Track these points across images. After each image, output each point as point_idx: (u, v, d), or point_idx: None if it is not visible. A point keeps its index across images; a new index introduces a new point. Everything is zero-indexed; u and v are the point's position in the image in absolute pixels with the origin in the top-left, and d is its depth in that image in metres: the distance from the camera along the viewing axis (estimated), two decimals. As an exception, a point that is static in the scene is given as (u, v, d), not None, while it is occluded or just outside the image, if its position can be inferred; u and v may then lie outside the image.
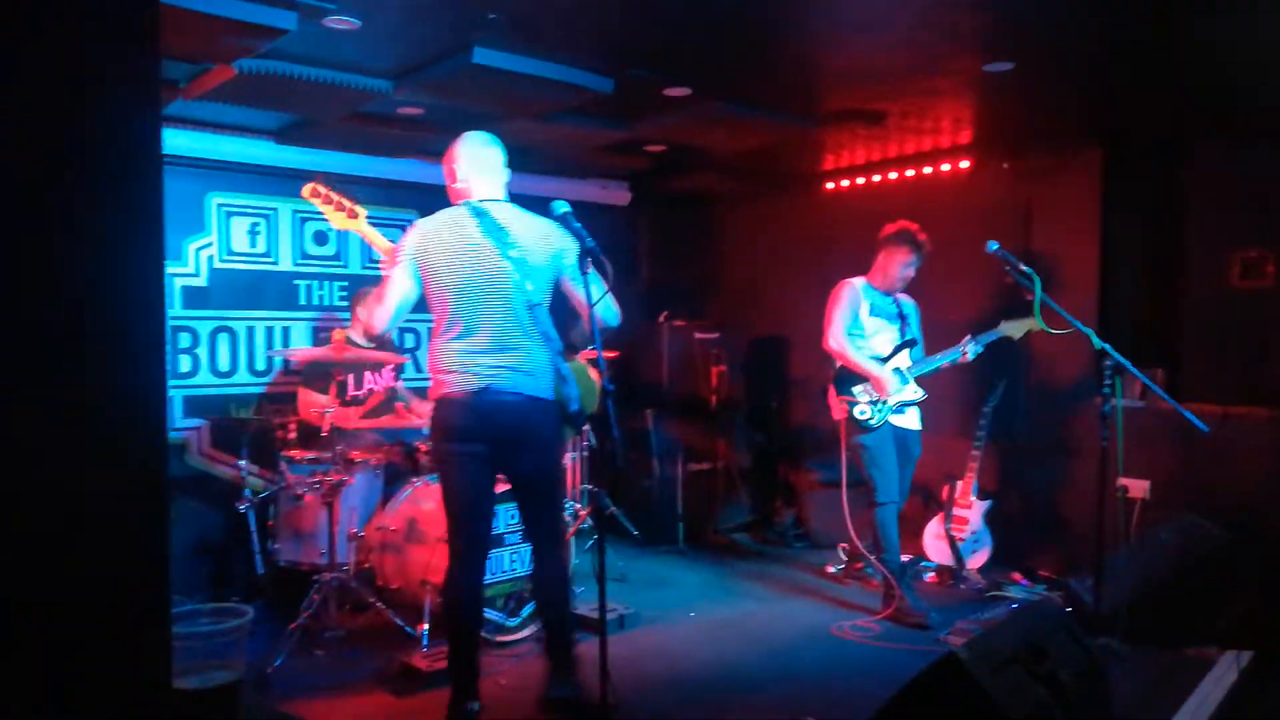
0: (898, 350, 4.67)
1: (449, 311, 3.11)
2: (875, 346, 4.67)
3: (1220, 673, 3.65)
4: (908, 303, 4.81)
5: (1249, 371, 4.75)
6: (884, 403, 4.57)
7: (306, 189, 3.41)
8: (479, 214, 3.19)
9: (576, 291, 3.16)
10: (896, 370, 4.62)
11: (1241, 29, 3.56)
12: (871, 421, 4.57)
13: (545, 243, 3.19)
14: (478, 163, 3.30)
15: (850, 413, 4.60)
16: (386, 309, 3.12)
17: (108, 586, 1.10)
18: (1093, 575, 3.99)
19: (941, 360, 4.63)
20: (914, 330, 4.75)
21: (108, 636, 1.10)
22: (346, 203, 3.40)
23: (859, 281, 4.73)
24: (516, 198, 6.85)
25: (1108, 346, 3.87)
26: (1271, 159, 4.71)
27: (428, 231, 3.16)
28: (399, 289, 3.12)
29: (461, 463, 3.13)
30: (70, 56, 1.11)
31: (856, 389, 4.61)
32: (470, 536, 3.19)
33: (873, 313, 4.68)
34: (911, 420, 4.71)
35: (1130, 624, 4.00)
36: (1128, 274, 5.20)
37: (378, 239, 3.32)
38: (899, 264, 4.60)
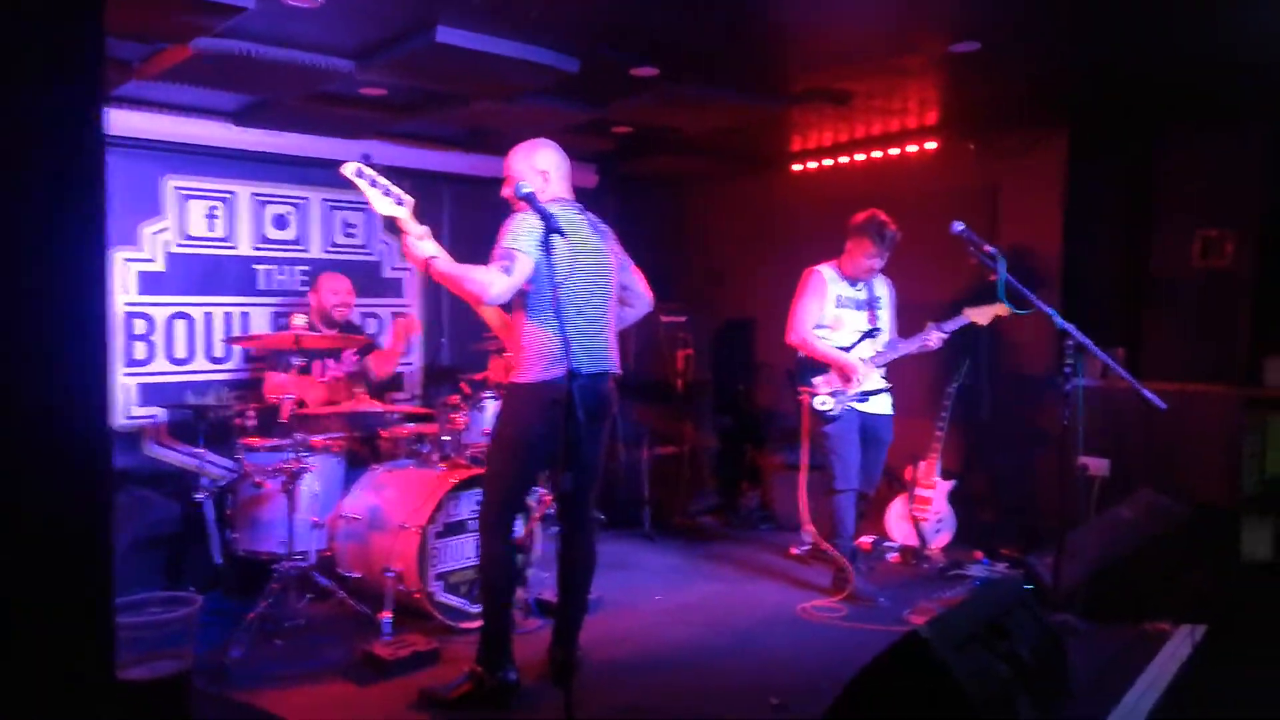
0: (860, 341, 4.67)
1: (561, 298, 3.19)
2: (838, 338, 4.67)
3: (1175, 646, 3.72)
4: (881, 285, 4.81)
5: (1208, 349, 4.83)
6: (844, 392, 4.58)
7: (350, 168, 3.23)
8: (582, 214, 3.45)
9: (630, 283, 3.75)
10: (859, 360, 4.63)
11: (1207, 11, 3.59)
12: (832, 411, 4.59)
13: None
14: (563, 168, 3.52)
15: (810, 403, 4.62)
16: (510, 286, 3.16)
17: (46, 577, 1.07)
18: (1052, 553, 4.04)
19: (904, 349, 4.64)
20: (884, 316, 4.76)
21: (47, 628, 1.07)
22: (394, 189, 3.27)
23: (826, 269, 4.72)
24: (482, 180, 6.81)
25: (1070, 326, 3.91)
26: (1235, 140, 4.77)
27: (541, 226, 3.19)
28: (526, 272, 3.18)
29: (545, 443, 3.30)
30: (3, 35, 1.07)
31: (816, 379, 4.62)
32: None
33: (839, 304, 4.68)
34: (880, 406, 4.72)
35: (1089, 600, 4.07)
36: (1092, 254, 5.26)
37: (414, 229, 3.23)
38: (864, 255, 4.58)
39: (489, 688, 3.27)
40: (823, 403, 4.59)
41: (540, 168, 3.45)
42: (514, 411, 3.34)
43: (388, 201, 3.25)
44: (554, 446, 3.28)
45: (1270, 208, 4.70)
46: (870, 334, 4.68)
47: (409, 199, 3.28)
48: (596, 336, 3.41)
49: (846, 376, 4.57)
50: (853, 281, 4.70)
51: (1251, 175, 4.74)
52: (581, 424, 2.89)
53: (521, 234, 3.17)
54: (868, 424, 4.66)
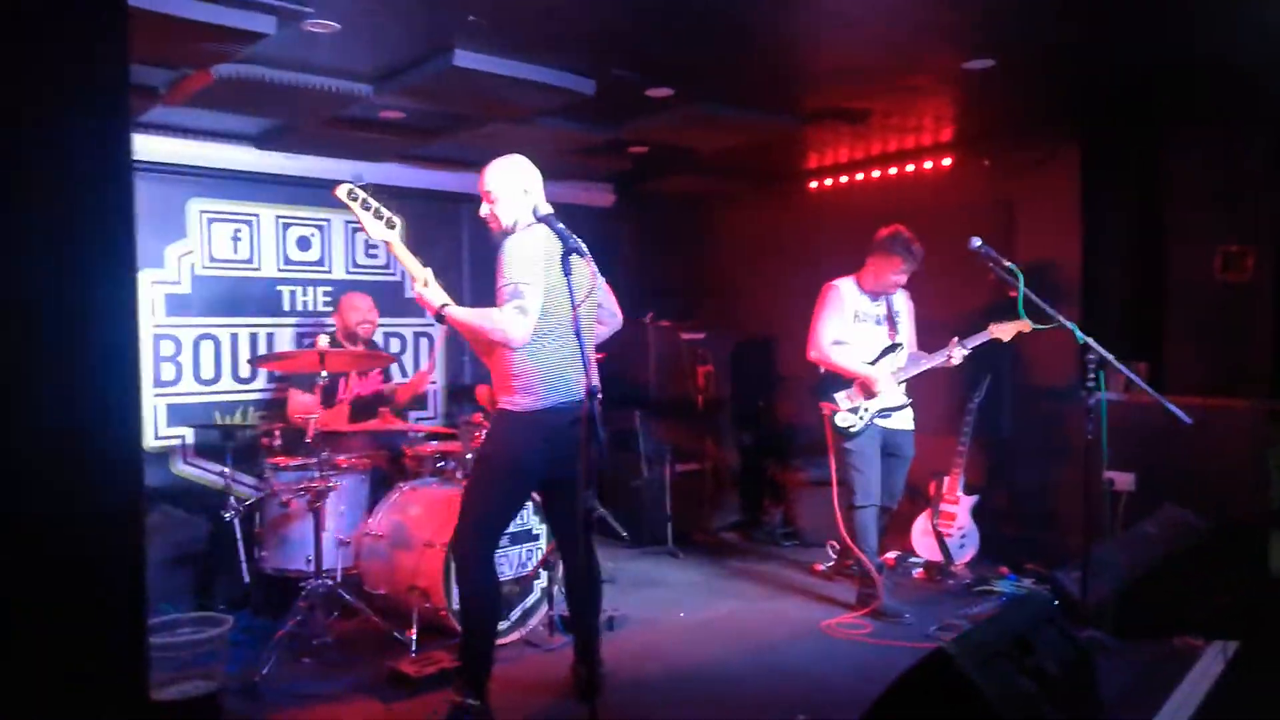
0: (881, 356, 4.65)
1: (551, 325, 3.18)
2: (859, 353, 4.64)
3: (1207, 664, 3.67)
4: (901, 299, 4.79)
5: (1230, 364, 4.79)
6: (866, 409, 4.56)
7: (342, 190, 3.21)
8: (558, 232, 3.16)
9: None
10: (880, 375, 4.59)
11: (1221, 25, 3.58)
12: (854, 429, 4.57)
13: None
14: (538, 182, 3.37)
15: (833, 418, 4.60)
16: (530, 325, 3.13)
17: (80, 598, 1.09)
18: (1079, 568, 4.00)
19: (926, 364, 4.62)
20: (903, 331, 4.75)
21: (81, 649, 1.09)
22: (385, 210, 3.27)
23: (845, 283, 4.71)
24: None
25: (1091, 340, 3.89)
26: (1253, 152, 4.74)
27: (543, 249, 3.17)
28: (539, 304, 3.14)
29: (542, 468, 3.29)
30: (32, 64, 1.10)
31: (839, 395, 4.59)
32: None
33: (858, 319, 4.66)
34: (902, 421, 4.69)
35: (1117, 616, 4.02)
36: (1111, 268, 5.23)
37: (417, 271, 3.21)
38: (890, 271, 4.57)
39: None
40: (844, 419, 4.57)
41: (525, 185, 3.31)
42: (510, 438, 3.25)
43: (379, 225, 3.25)
44: (546, 474, 3.27)
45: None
46: (891, 349, 4.67)
47: (397, 220, 3.30)
48: (589, 356, 3.36)
49: (869, 390, 4.55)
50: (873, 296, 4.70)
51: (1270, 187, 4.70)
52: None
53: (522, 264, 3.12)
54: (889, 439, 4.65)
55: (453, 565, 3.34)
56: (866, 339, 4.67)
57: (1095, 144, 5.18)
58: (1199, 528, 4.25)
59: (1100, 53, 3.98)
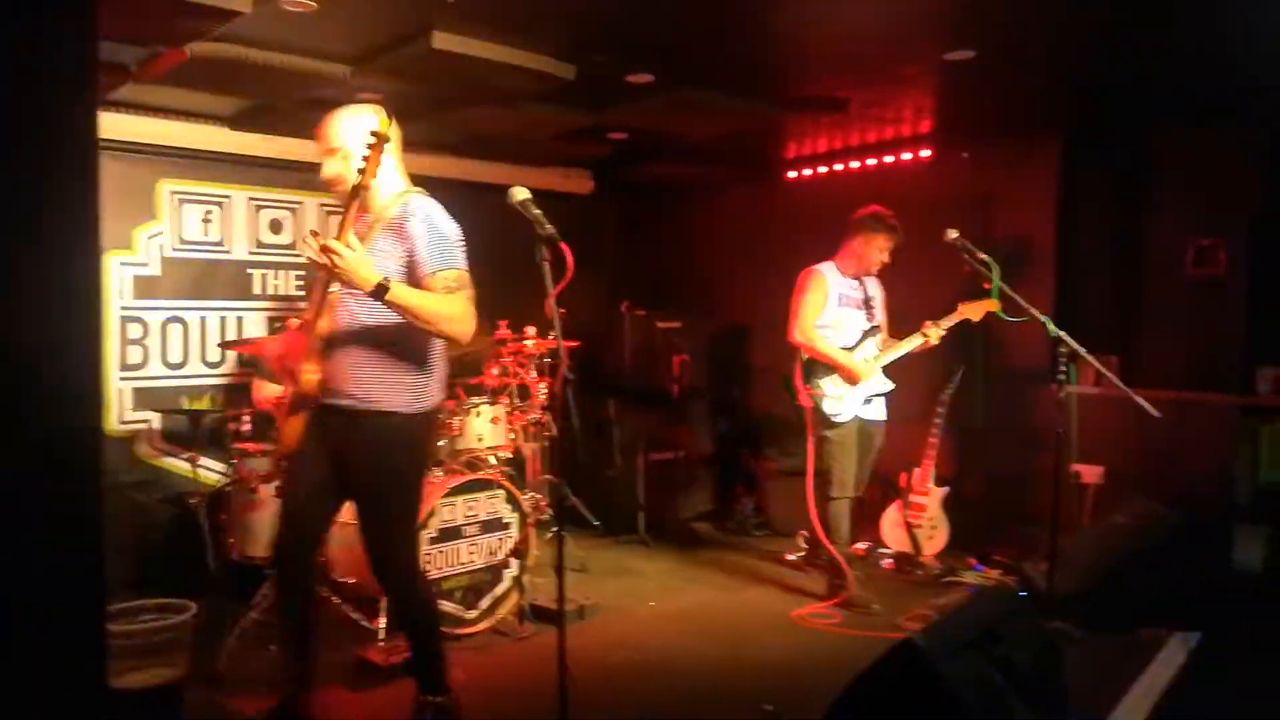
0: (862, 339, 4.67)
1: None
2: (840, 337, 4.65)
3: (1169, 654, 3.72)
4: (874, 284, 4.81)
5: (1201, 357, 4.84)
6: (852, 395, 4.58)
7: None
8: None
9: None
10: (862, 360, 4.62)
11: (1200, 20, 3.60)
12: (839, 416, 4.57)
13: None
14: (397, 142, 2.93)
15: (817, 405, 4.59)
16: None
17: (36, 584, 1.06)
18: (1047, 559, 4.04)
19: (905, 348, 4.64)
20: (878, 315, 4.77)
21: (37, 635, 1.07)
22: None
23: (825, 268, 4.71)
24: (477, 185, 6.80)
25: (1063, 334, 3.92)
26: (1229, 147, 4.79)
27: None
28: None
29: None
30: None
31: (824, 381, 4.59)
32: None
33: (840, 302, 4.67)
34: (877, 411, 4.72)
35: (1084, 607, 4.07)
36: (1086, 261, 5.27)
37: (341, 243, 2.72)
38: (875, 249, 4.60)
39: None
40: (832, 405, 4.56)
41: (358, 137, 2.86)
42: (417, 444, 3.02)
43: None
44: None
45: (1263, 215, 4.71)
46: (870, 333, 4.68)
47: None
48: None
49: (851, 380, 4.56)
50: (854, 279, 4.71)
51: (1245, 183, 4.75)
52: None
53: (458, 247, 2.92)
54: (864, 429, 4.67)
55: (405, 584, 3.07)
56: (848, 322, 4.67)
57: (1075, 137, 5.22)
58: (1167, 520, 4.30)
59: (1081, 46, 3.99)
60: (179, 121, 5.06)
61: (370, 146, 2.67)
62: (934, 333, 4.56)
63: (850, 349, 4.63)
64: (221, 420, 4.70)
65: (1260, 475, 4.64)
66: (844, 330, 4.66)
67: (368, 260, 2.71)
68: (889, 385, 4.69)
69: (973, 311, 4.52)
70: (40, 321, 1.04)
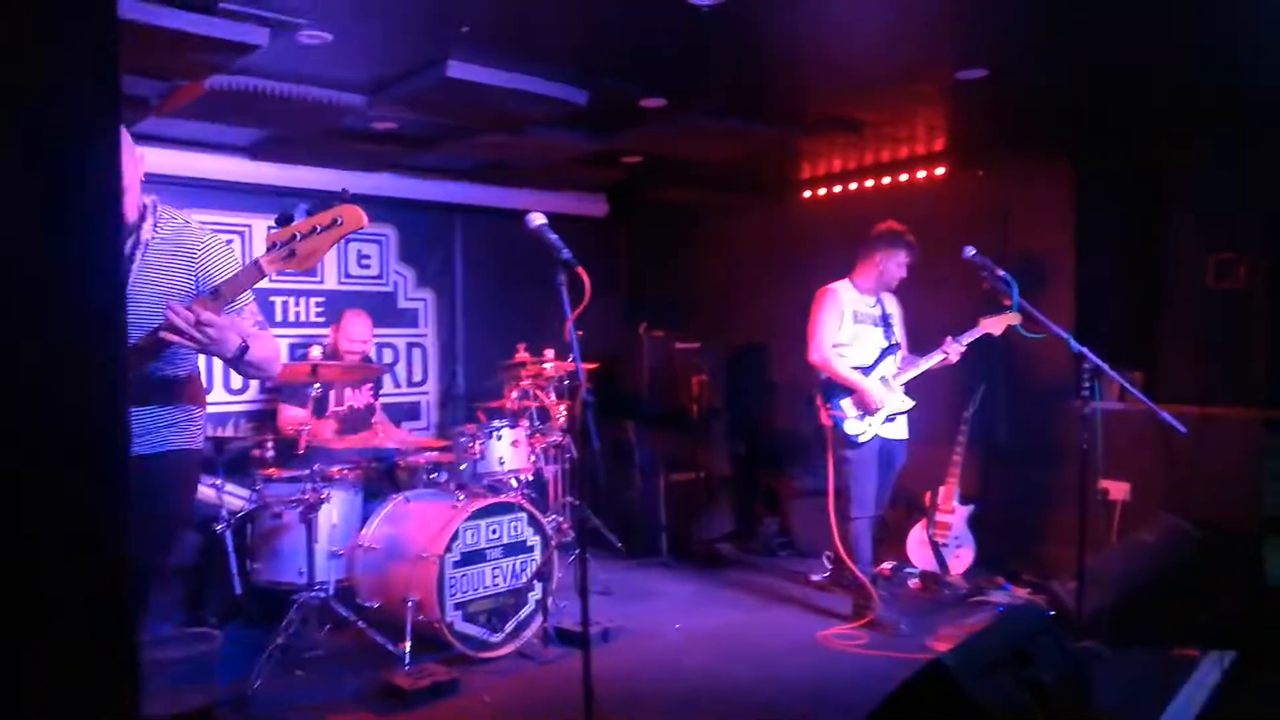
0: (881, 358, 4.65)
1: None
2: (858, 355, 4.63)
3: (1203, 674, 3.66)
4: (892, 303, 4.80)
5: (1224, 372, 4.79)
6: (872, 415, 4.53)
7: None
8: None
9: None
10: (882, 379, 4.59)
11: (1217, 34, 3.60)
12: (860, 437, 4.52)
13: None
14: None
15: (837, 425, 4.55)
16: None
17: (71, 613, 1.07)
18: (1075, 578, 4.00)
19: (925, 364, 4.61)
20: (897, 332, 4.75)
21: (71, 665, 1.07)
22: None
23: (840, 286, 4.70)
24: (493, 211, 6.82)
25: (1085, 350, 3.89)
26: (1245, 162, 4.76)
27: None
28: None
29: None
30: (20, 77, 1.09)
31: (844, 402, 4.55)
32: None
33: (857, 319, 4.65)
34: (898, 430, 4.68)
35: (1113, 626, 4.02)
36: (1105, 276, 5.23)
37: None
38: (895, 264, 4.59)
39: None
40: (854, 426, 4.51)
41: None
42: (195, 484, 2.86)
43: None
44: None
45: (1282, 228, 4.68)
46: (890, 350, 4.66)
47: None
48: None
49: (866, 406, 4.51)
50: (872, 296, 4.69)
51: (1264, 194, 4.72)
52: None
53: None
54: (886, 448, 4.64)
55: None
56: (866, 340, 4.64)
57: (1089, 153, 5.20)
58: (1195, 537, 4.25)
59: (1094, 63, 3.99)
60: (200, 153, 5.13)
61: None
62: (954, 349, 4.53)
63: (869, 368, 4.61)
64: (245, 446, 4.73)
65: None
66: (862, 348, 4.64)
67: (228, 332, 2.43)
68: (909, 403, 4.66)
69: (994, 326, 4.49)
70: (68, 352, 1.06)
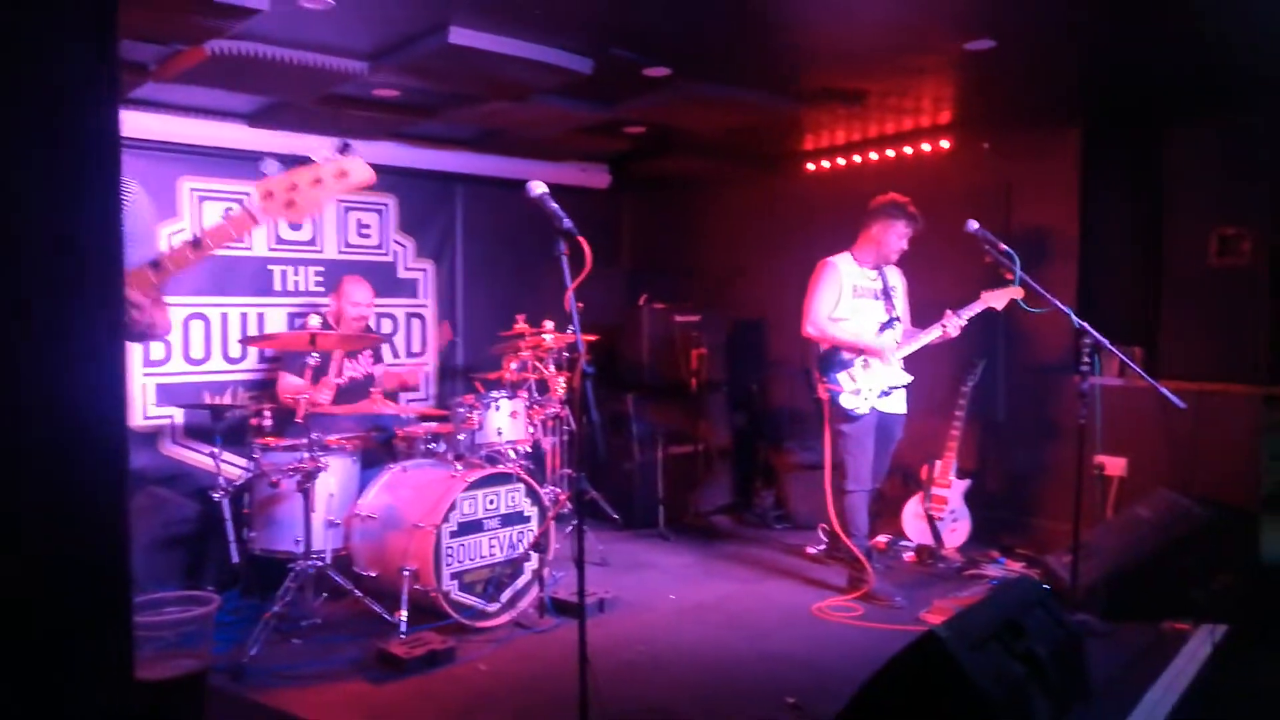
0: (880, 332, 4.62)
1: None
2: (856, 329, 4.60)
3: (1195, 647, 3.69)
4: (894, 275, 4.76)
5: (1226, 348, 4.79)
6: (870, 388, 4.52)
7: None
8: None
9: None
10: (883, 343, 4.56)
11: (1224, 10, 3.56)
12: (857, 410, 4.52)
13: None
14: None
15: (834, 399, 4.55)
16: None
17: (64, 577, 1.07)
18: (1070, 552, 4.02)
19: (924, 339, 4.60)
20: (899, 305, 4.72)
21: (65, 627, 1.08)
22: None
23: (840, 260, 4.67)
24: (493, 180, 6.79)
25: (1086, 325, 3.89)
26: (1251, 137, 4.73)
27: None
28: None
29: None
30: (13, 38, 1.07)
31: (842, 375, 4.54)
32: None
33: (856, 293, 4.62)
34: (896, 404, 4.68)
35: (1107, 600, 4.04)
36: (1108, 252, 5.22)
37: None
38: (896, 235, 4.54)
39: None
40: (849, 400, 4.51)
41: None
42: None
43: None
44: None
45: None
46: (889, 324, 4.63)
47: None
48: None
49: (876, 356, 4.49)
50: (873, 269, 4.66)
51: (1268, 170, 4.69)
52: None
53: None
54: (883, 422, 4.64)
55: None
56: (865, 314, 4.63)
57: (1095, 127, 5.16)
58: (1192, 513, 4.26)
59: (1102, 36, 3.95)
60: (199, 119, 5.09)
61: None
62: (954, 324, 4.50)
63: None
64: (243, 415, 4.74)
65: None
66: (861, 322, 4.62)
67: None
68: (907, 378, 4.65)
69: (996, 300, 4.44)
70: (66, 319, 1.05)
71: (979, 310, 4.50)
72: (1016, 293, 4.31)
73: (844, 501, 4.59)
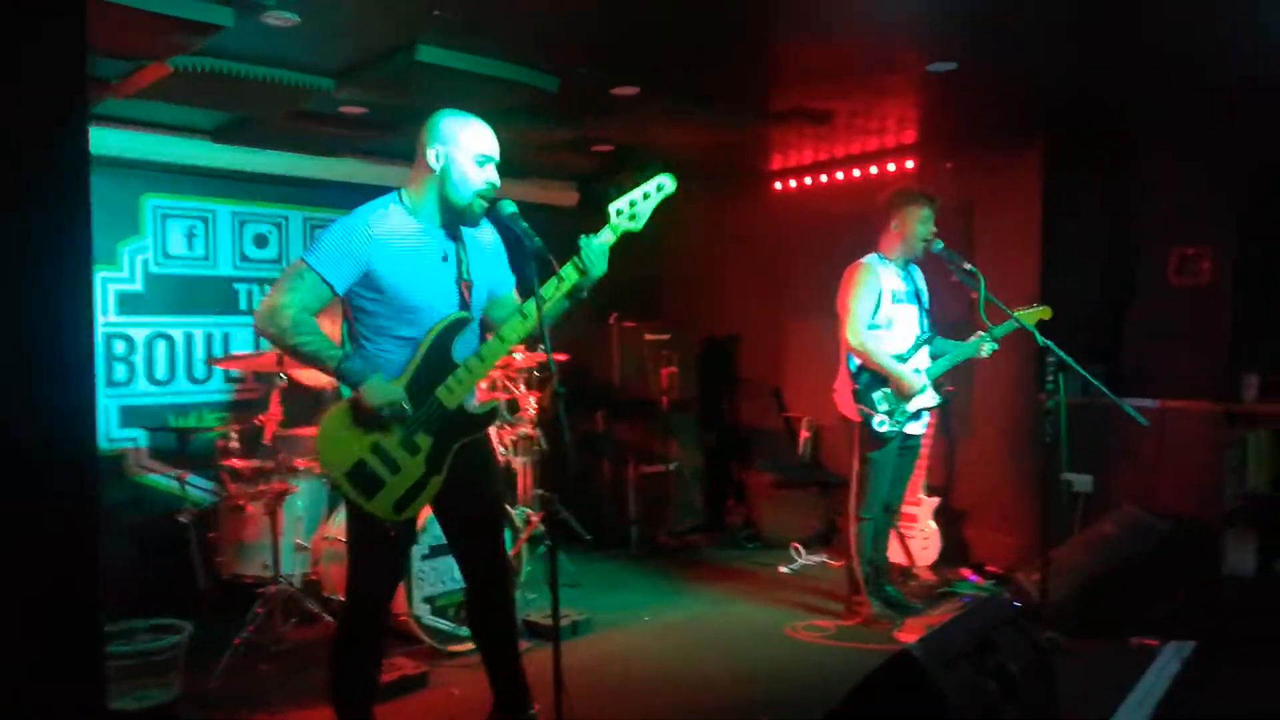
0: (917, 347, 4.42)
1: None
2: (893, 341, 4.37)
3: (1163, 663, 3.72)
4: (918, 272, 4.56)
5: (1188, 365, 4.87)
6: (903, 413, 4.34)
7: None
8: None
9: None
10: (915, 370, 4.35)
11: (1180, 30, 3.64)
12: (888, 433, 4.33)
13: None
14: None
15: (867, 422, 4.33)
16: None
17: (35, 607, 1.04)
18: (1038, 570, 4.04)
19: (957, 358, 4.41)
20: (926, 305, 4.53)
21: (36, 658, 1.04)
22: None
23: (872, 260, 4.40)
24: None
25: (1050, 343, 3.92)
26: (1212, 155, 4.83)
27: None
28: None
29: None
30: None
31: (877, 395, 4.32)
32: None
33: (894, 299, 4.37)
34: (921, 426, 4.55)
35: (1076, 616, 4.07)
36: (1071, 269, 5.29)
37: None
38: (919, 221, 4.31)
39: None
40: (881, 423, 4.30)
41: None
42: None
43: None
44: None
45: (1247, 223, 4.75)
46: (925, 340, 4.44)
47: None
48: None
49: (902, 393, 4.29)
50: (904, 265, 4.45)
51: (1230, 189, 4.79)
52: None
53: None
54: (906, 443, 4.51)
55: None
56: (903, 321, 4.40)
57: (1058, 146, 5.24)
58: (1156, 528, 4.31)
59: (1063, 57, 4.03)
60: (161, 134, 5.01)
61: None
62: (988, 348, 4.31)
63: (905, 358, 4.36)
64: (210, 437, 4.65)
65: (1249, 481, 4.66)
66: (898, 331, 4.38)
67: None
68: (938, 400, 4.47)
69: (1028, 317, 4.20)
70: (37, 339, 1.03)
71: (1011, 329, 4.27)
72: (1044, 313, 4.20)
73: (855, 528, 4.45)
